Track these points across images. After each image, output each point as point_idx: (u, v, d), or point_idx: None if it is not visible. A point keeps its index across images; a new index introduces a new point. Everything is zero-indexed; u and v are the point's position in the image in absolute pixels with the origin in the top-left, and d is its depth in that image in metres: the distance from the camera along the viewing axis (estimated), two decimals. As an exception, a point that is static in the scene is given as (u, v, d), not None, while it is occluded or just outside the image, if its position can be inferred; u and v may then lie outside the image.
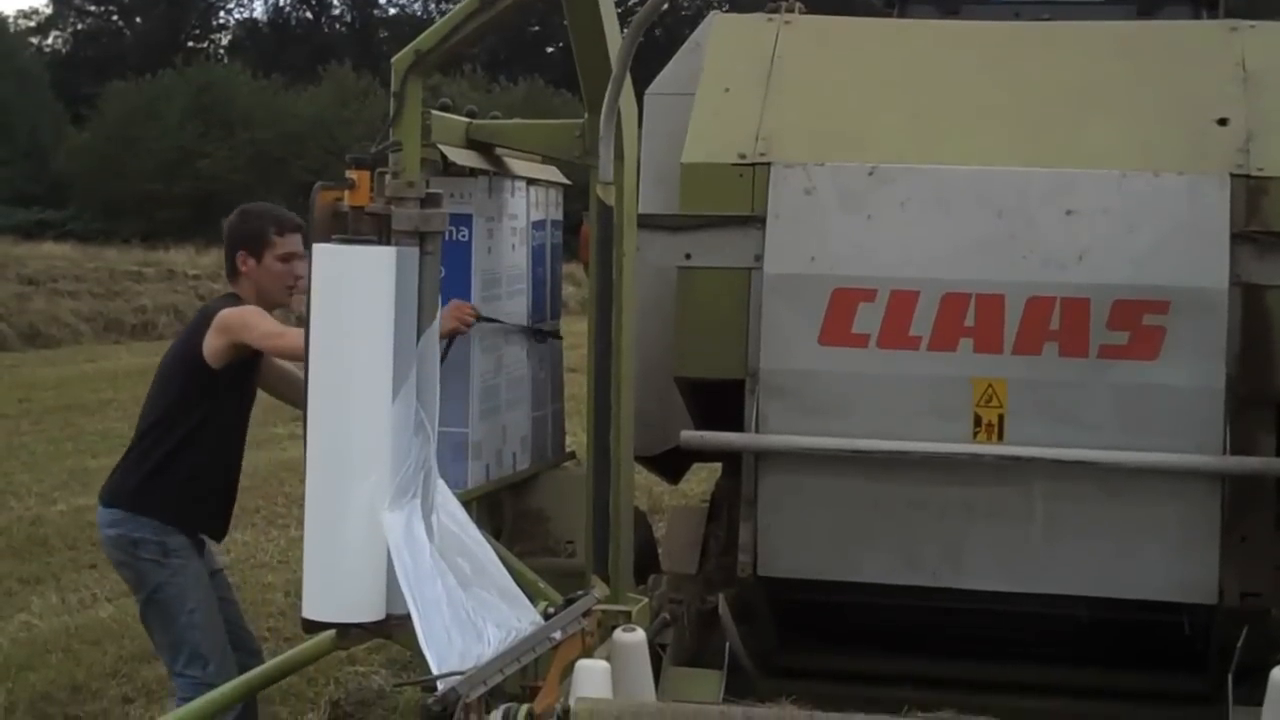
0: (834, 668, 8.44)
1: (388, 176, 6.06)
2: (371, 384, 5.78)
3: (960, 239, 7.65)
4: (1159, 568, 7.62)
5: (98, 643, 11.92)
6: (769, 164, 7.83)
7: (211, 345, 7.58)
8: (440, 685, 5.48)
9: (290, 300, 7.93)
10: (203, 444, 7.73)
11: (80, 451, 20.76)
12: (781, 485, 7.83)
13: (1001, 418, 7.63)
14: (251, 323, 7.54)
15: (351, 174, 5.85)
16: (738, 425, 7.82)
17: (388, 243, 5.90)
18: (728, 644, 7.72)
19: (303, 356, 6.30)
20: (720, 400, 8.01)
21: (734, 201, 7.85)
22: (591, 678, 6.09)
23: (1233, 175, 7.56)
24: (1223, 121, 7.75)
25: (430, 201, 5.96)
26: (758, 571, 7.87)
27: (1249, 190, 7.58)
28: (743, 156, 7.87)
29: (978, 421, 7.65)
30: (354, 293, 5.72)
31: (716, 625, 8.10)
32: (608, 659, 6.59)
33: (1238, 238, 7.50)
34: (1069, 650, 8.46)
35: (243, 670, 7.88)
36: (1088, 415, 7.56)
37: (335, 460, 5.80)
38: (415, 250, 5.89)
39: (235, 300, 7.82)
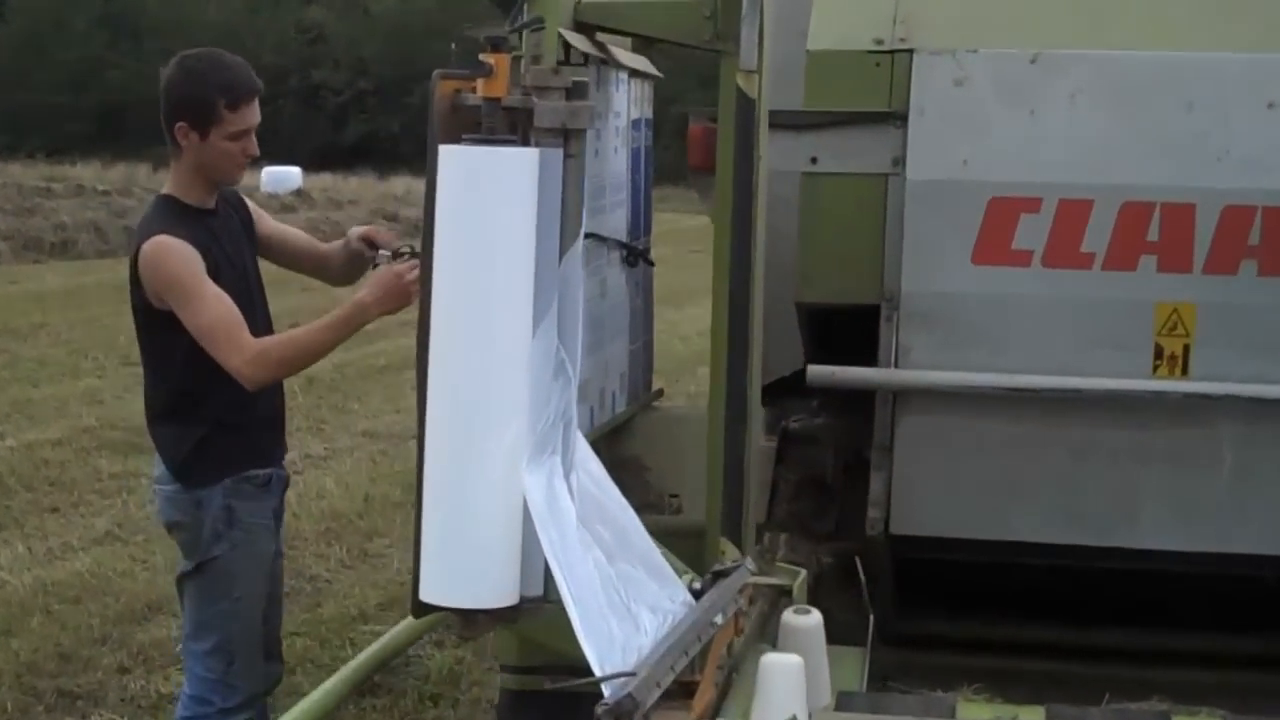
0: (962, 635, 7.35)
1: (524, 62, 4.88)
2: (512, 317, 4.64)
3: (1142, 138, 6.55)
4: None
5: (78, 601, 10.72)
6: (911, 50, 6.67)
7: (153, 293, 6.37)
8: (607, 689, 4.44)
9: (240, 176, 6.71)
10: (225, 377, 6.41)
11: (19, 380, 19.42)
12: (923, 428, 6.77)
13: (1187, 349, 6.56)
14: (176, 294, 6.34)
15: (488, 58, 4.64)
16: (864, 359, 6.69)
17: (526, 143, 4.72)
18: (871, 617, 6.60)
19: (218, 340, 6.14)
20: (844, 331, 6.89)
21: (869, 95, 6.72)
22: (785, 677, 5.00)
23: None
24: None
25: (576, 92, 4.79)
26: (890, 529, 6.80)
27: None
28: (879, 42, 6.68)
29: (1159, 353, 6.58)
30: (492, 205, 4.56)
31: (824, 590, 7.01)
32: (773, 646, 5.53)
33: None
34: (1235, 617, 7.44)
35: (266, 680, 6.94)
36: None
37: (467, 410, 4.66)
38: (559, 152, 4.72)
39: (164, 210, 6.54)
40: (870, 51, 6.70)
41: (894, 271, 6.66)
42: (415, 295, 5.87)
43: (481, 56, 4.68)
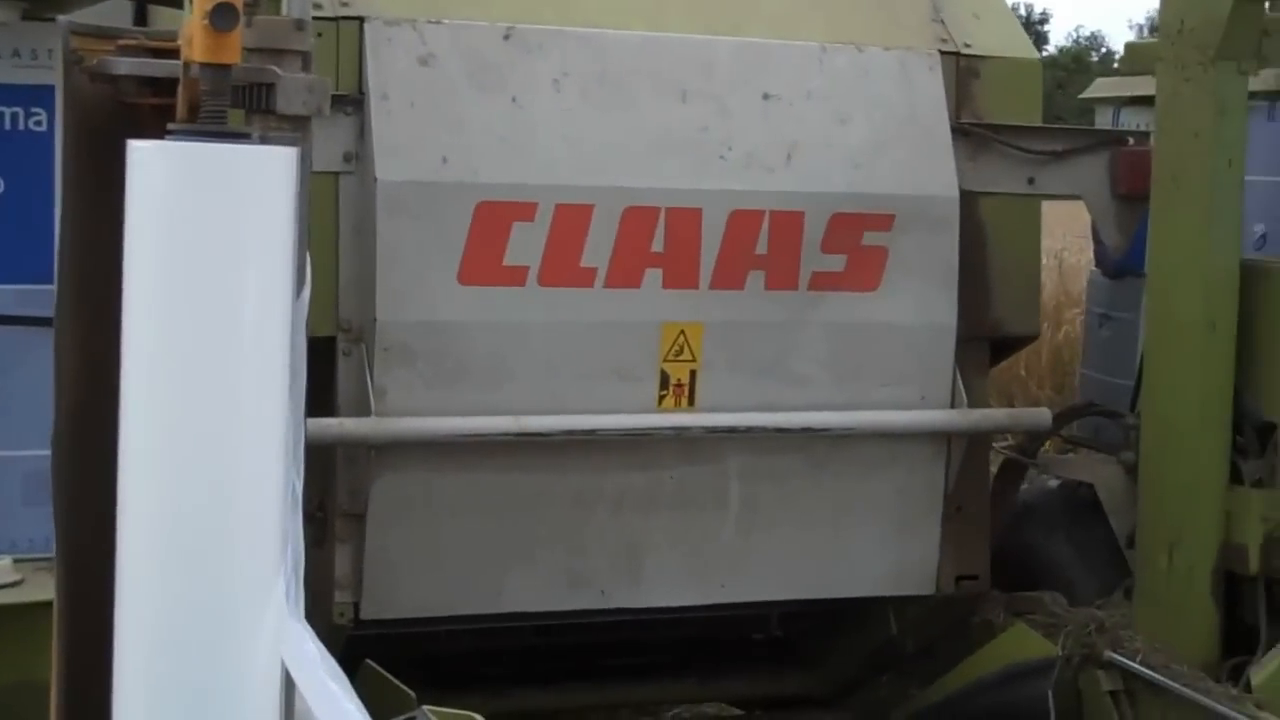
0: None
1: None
2: (264, 400, 3.10)
3: (638, 132, 5.66)
4: (872, 556, 6.03)
5: None
6: (361, 19, 5.45)
7: None
8: None
9: None
10: None
11: None
12: (401, 489, 5.54)
13: (694, 375, 5.70)
14: None
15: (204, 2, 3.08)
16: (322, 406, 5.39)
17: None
18: None
19: None
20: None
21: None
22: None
23: (942, 53, 6.04)
24: None
25: (310, 61, 3.33)
26: (362, 615, 5.56)
27: (958, 72, 6.12)
28: (319, 7, 5.36)
29: (664, 382, 5.69)
30: (236, 236, 3.01)
31: None
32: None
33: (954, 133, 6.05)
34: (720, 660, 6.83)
35: None
36: (795, 366, 5.84)
37: (198, 533, 3.08)
38: (297, 152, 3.23)
39: None
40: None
41: (358, 295, 5.43)
42: None
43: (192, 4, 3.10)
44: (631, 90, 5.68)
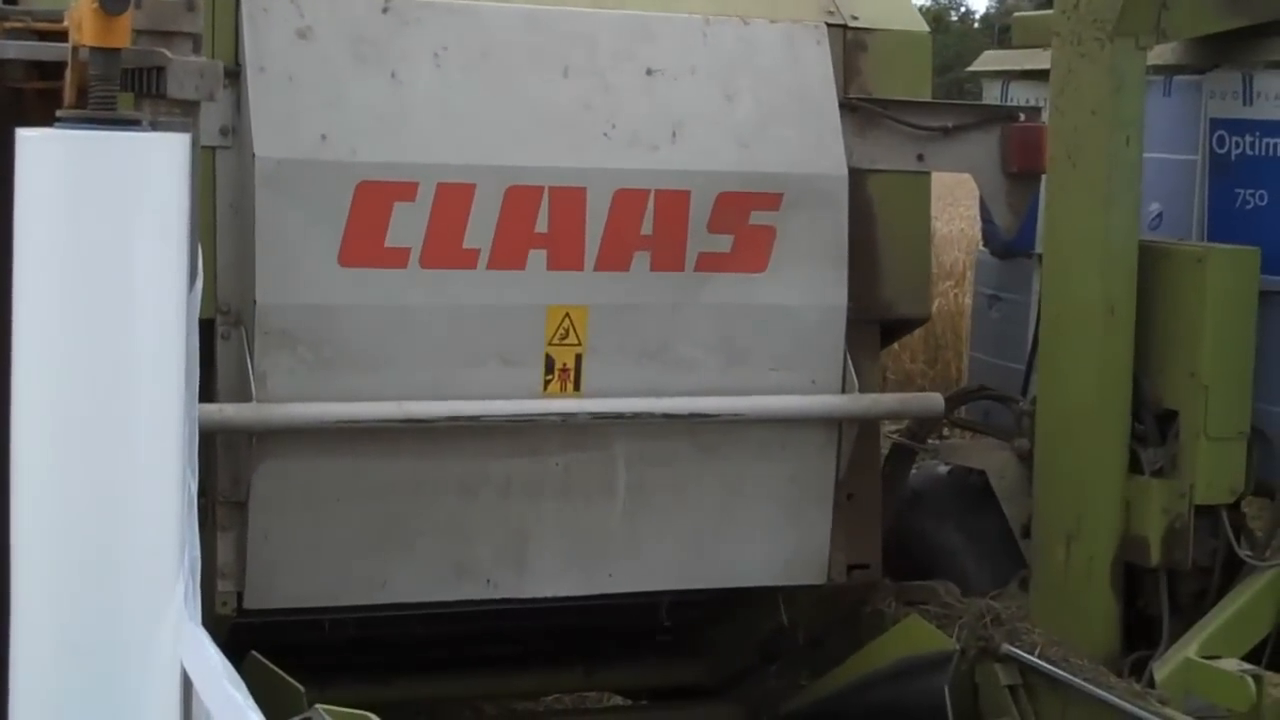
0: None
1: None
2: (160, 398, 2.88)
3: (521, 108, 5.44)
4: (762, 544, 5.86)
5: None
6: None
7: None
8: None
9: None
10: None
11: None
12: (286, 476, 5.33)
13: (580, 359, 5.50)
14: None
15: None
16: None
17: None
18: None
19: None
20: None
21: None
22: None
23: (829, 25, 5.83)
24: None
25: (200, 43, 3.10)
26: (245, 604, 5.34)
27: (845, 45, 5.90)
28: None
29: (549, 366, 5.47)
30: (126, 226, 2.80)
31: None
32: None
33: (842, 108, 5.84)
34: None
35: None
36: (682, 349, 5.64)
37: (94, 536, 2.90)
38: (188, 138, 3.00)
39: None
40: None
41: (237, 277, 5.19)
42: None
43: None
44: (512, 65, 5.45)
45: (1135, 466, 5.79)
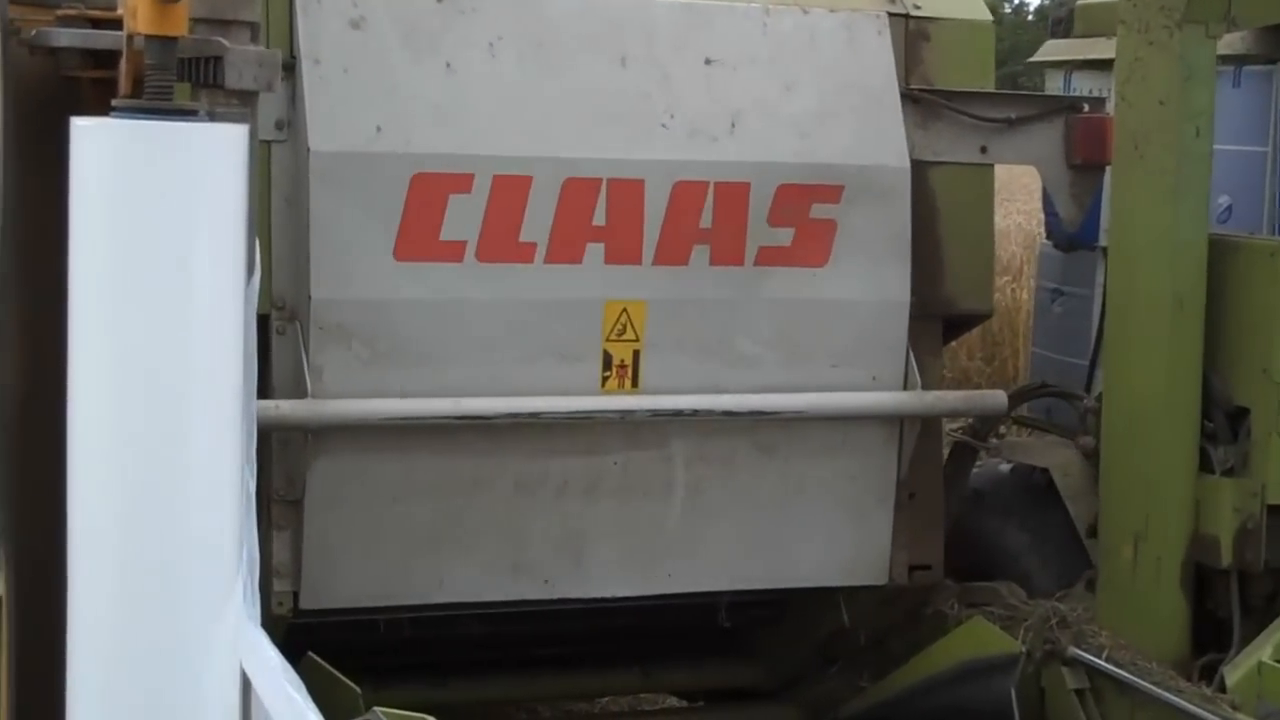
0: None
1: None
2: (218, 394, 2.82)
3: (578, 99, 5.37)
4: (823, 544, 5.78)
5: None
6: None
7: None
8: None
9: None
10: None
11: None
12: (339, 473, 5.27)
13: (638, 355, 5.41)
14: None
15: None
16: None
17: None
18: None
19: None
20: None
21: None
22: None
23: (890, 15, 5.75)
24: None
25: (258, 32, 3.03)
26: (301, 604, 5.29)
27: (907, 35, 5.82)
28: None
29: (608, 363, 5.39)
30: (187, 219, 2.73)
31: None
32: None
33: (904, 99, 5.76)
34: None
35: None
36: (741, 345, 5.57)
37: (152, 536, 2.83)
38: (247, 130, 2.92)
39: None
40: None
41: (293, 271, 5.15)
42: None
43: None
44: (569, 55, 5.38)
45: (1205, 465, 5.61)
